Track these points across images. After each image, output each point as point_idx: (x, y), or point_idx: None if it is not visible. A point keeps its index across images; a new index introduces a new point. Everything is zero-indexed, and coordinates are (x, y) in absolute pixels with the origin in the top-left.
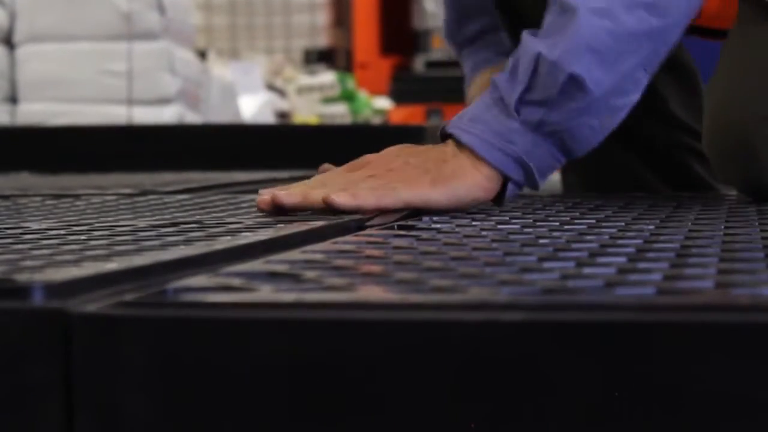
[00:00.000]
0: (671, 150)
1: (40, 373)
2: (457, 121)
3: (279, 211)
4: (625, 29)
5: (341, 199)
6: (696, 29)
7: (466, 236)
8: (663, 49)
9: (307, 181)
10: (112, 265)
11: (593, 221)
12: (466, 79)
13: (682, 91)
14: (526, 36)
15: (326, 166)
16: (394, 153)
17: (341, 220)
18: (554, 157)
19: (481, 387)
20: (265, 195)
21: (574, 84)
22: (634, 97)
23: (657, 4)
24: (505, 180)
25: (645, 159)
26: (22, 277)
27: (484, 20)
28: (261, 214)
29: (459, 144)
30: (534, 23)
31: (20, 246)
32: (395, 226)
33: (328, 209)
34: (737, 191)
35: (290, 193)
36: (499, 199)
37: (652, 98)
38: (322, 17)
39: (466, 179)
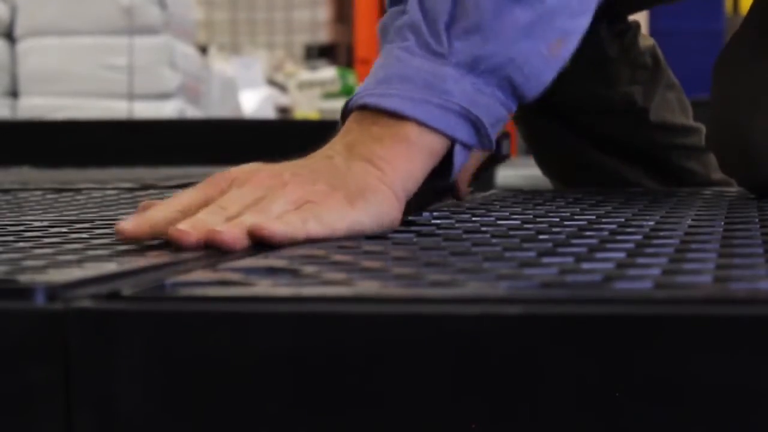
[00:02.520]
0: (661, 153)
1: (42, 373)
2: (369, 87)
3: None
4: None
5: (278, 227)
6: None
7: (466, 232)
8: None
9: (172, 201)
10: (113, 265)
11: (593, 217)
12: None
13: (658, 92)
14: None
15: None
16: (268, 166)
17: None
18: (502, 103)
19: (479, 380)
20: (184, 228)
21: None
22: (583, 21)
23: None
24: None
25: (635, 164)
26: (24, 278)
27: None
28: None
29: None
30: None
31: (22, 244)
32: None
33: (254, 242)
34: (739, 186)
35: (225, 228)
36: (443, 174)
37: (633, 111)
38: (324, 13)
39: (378, 191)
